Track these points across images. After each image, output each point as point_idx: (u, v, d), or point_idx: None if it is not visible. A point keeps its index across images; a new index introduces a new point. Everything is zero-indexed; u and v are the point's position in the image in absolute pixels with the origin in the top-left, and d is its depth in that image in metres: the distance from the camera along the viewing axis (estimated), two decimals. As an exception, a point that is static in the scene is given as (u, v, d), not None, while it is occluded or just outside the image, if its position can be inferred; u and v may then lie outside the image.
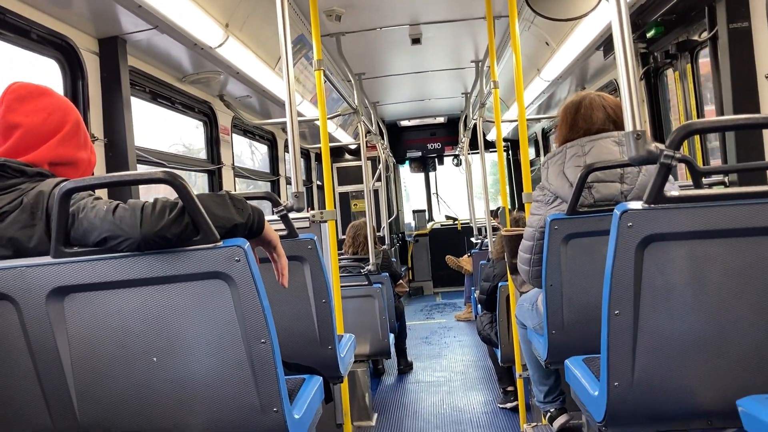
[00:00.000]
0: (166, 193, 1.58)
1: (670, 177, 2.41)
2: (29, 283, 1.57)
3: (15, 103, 1.74)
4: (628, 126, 1.49)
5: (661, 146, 1.47)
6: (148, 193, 3.89)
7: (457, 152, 10.77)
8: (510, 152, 10.69)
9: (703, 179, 2.20)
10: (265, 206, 2.65)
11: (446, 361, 6.32)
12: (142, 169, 3.85)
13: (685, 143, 3.88)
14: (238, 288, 1.56)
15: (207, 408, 1.63)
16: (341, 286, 3.60)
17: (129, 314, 1.60)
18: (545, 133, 8.17)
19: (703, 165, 3.81)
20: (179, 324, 1.59)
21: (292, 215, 2.71)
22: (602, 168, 2.30)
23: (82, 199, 1.58)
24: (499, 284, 4.21)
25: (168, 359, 1.61)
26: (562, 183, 2.41)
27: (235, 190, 4.99)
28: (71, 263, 1.56)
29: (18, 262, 1.56)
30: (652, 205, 1.54)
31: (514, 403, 4.55)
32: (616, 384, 1.66)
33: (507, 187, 7.22)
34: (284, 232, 2.47)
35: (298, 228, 2.54)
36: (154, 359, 1.61)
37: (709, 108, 3.69)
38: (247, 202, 1.70)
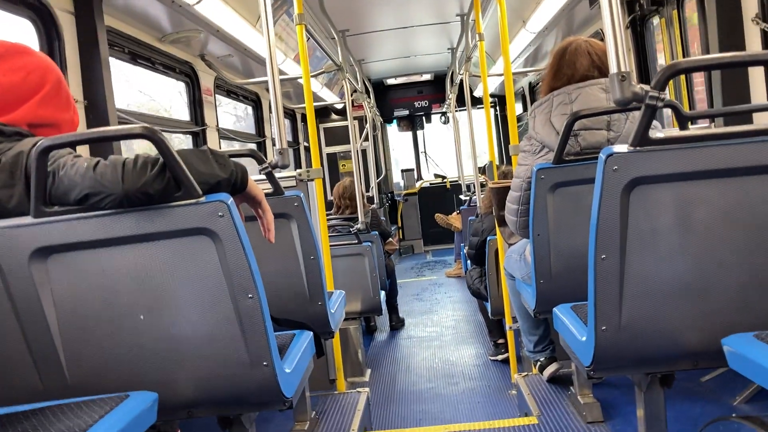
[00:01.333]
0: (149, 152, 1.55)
1: (656, 123, 2.41)
2: (10, 244, 1.55)
3: None
4: (613, 68, 1.47)
5: (647, 87, 1.45)
6: (129, 154, 3.84)
7: (444, 110, 10.70)
8: (497, 108, 10.62)
9: (690, 125, 2.19)
10: (249, 166, 2.62)
11: (437, 317, 6.38)
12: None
13: (672, 89, 3.86)
14: (223, 244, 1.54)
15: (196, 364, 1.63)
16: (330, 246, 3.60)
17: (114, 273, 1.59)
18: (532, 88, 8.12)
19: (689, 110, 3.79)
20: (165, 282, 1.58)
21: (278, 174, 2.68)
22: (588, 115, 2.28)
23: (62, 156, 1.54)
24: (488, 238, 4.23)
25: (155, 317, 1.60)
26: (549, 131, 2.39)
27: (220, 152, 4.93)
28: (52, 222, 1.53)
29: (-3, 223, 1.54)
30: (637, 148, 1.53)
31: (505, 355, 4.60)
32: (603, 329, 1.67)
33: (495, 143, 7.18)
34: (270, 190, 2.45)
35: (284, 188, 2.52)
36: (141, 317, 1.61)
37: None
38: (229, 158, 1.68)
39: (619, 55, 1.47)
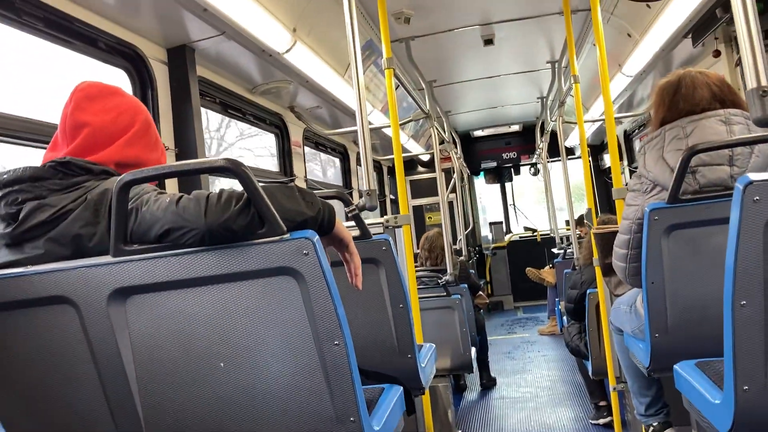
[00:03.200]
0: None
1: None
2: (89, 284, 1.47)
3: (84, 102, 1.69)
4: (751, 82, 1.27)
5: (794, 103, 1.24)
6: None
7: (534, 160, 10.45)
8: (591, 158, 10.28)
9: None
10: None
11: (531, 376, 6.03)
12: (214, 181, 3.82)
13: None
14: (308, 284, 1.42)
15: (278, 417, 1.49)
16: (419, 298, 3.43)
17: (193, 315, 1.48)
18: (628, 135, 7.79)
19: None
20: (246, 325, 1.46)
21: (365, 219, 2.57)
22: (707, 149, 2.05)
23: (146, 193, 1.49)
24: (588, 291, 3.96)
25: (235, 365, 1.48)
26: (662, 169, 2.18)
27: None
28: (132, 262, 1.46)
29: (77, 263, 1.47)
30: (783, 175, 1.31)
31: (608, 419, 4.25)
32: (745, 388, 1.42)
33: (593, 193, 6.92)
34: (356, 233, 2.33)
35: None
36: (221, 364, 1.49)
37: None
38: (317, 197, 1.57)
39: (757, 66, 1.27)
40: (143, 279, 1.47)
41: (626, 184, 7.28)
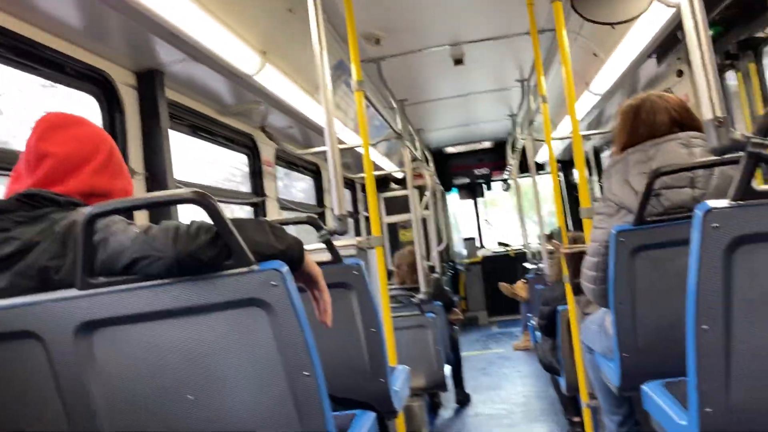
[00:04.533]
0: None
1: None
2: (55, 318, 1.46)
3: (47, 132, 1.67)
4: (707, 113, 1.31)
5: (748, 134, 1.28)
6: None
7: (505, 176, 10.55)
8: (562, 173, 10.40)
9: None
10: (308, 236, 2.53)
11: (506, 393, 6.05)
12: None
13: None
14: (277, 315, 1.42)
15: (249, 450, 1.48)
16: (392, 317, 3.44)
17: (162, 348, 1.47)
18: (596, 151, 7.91)
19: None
20: (215, 357, 1.46)
21: (336, 243, 2.58)
22: (670, 172, 2.10)
23: (115, 224, 1.48)
24: (559, 308, 3.99)
25: (205, 397, 1.47)
26: (627, 192, 2.22)
27: (280, 223, 4.88)
28: (98, 295, 1.44)
29: (42, 297, 1.45)
30: (740, 202, 1.35)
31: (582, 435, 4.28)
32: (708, 410, 1.45)
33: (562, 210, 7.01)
34: (328, 258, 2.33)
35: (343, 256, 2.40)
36: (190, 397, 1.48)
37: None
38: (287, 232, 1.58)
39: (713, 98, 1.31)
40: (110, 312, 1.45)
41: (594, 200, 7.40)
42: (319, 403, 1.46)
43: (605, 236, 2.27)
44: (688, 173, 2.16)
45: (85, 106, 2.95)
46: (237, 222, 1.43)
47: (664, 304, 2.16)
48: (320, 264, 1.72)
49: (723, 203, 1.37)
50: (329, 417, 1.49)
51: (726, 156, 1.34)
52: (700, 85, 1.33)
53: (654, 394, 1.87)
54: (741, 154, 1.30)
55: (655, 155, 2.22)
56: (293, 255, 1.55)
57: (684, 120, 2.29)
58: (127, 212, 1.55)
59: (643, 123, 2.31)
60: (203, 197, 1.38)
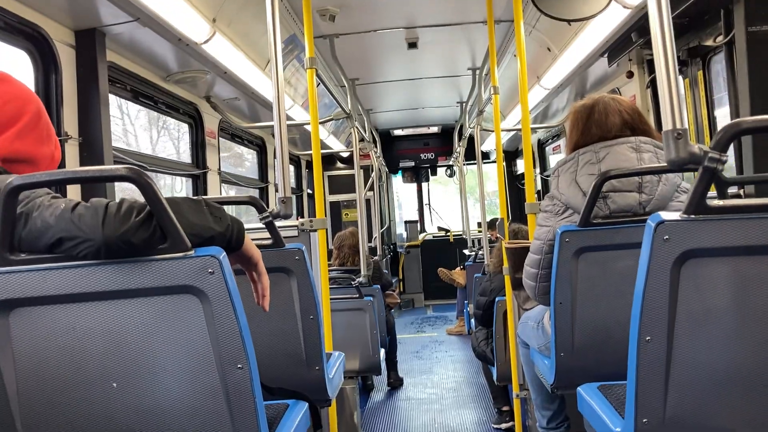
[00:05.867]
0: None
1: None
2: (-32, 295, 1.35)
3: None
4: (667, 124, 1.29)
5: (705, 148, 1.27)
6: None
7: (450, 163, 10.60)
8: (505, 163, 10.52)
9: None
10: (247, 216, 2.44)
11: (437, 377, 6.10)
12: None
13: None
14: (212, 304, 1.34)
15: (173, 443, 1.41)
16: (330, 299, 3.38)
17: (85, 333, 1.37)
18: (541, 144, 7.99)
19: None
20: (143, 345, 1.37)
21: (278, 223, 2.49)
22: (619, 176, 2.10)
23: (39, 197, 1.35)
24: (497, 299, 4.01)
25: (129, 386, 1.39)
26: (575, 192, 2.21)
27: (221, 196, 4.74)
28: (19, 272, 1.33)
29: (-45, 271, 1.34)
30: (692, 216, 1.34)
31: (510, 424, 4.34)
32: (644, 421, 1.45)
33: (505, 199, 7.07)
34: (269, 242, 2.25)
35: (285, 237, 2.33)
36: (114, 385, 1.39)
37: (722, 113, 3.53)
38: (227, 212, 1.49)
39: (674, 109, 1.29)
40: (31, 291, 1.35)
41: (538, 192, 7.44)
42: (251, 397, 1.40)
43: (550, 235, 2.27)
44: (637, 178, 2.16)
45: (17, 64, 2.76)
46: (172, 201, 1.34)
47: (604, 306, 2.17)
48: (260, 247, 1.64)
49: (675, 216, 1.35)
50: (261, 411, 1.43)
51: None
52: (663, 95, 1.31)
53: (589, 397, 1.87)
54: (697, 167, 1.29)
55: (604, 157, 2.21)
56: (232, 237, 1.47)
57: (635, 124, 2.29)
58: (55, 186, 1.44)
59: (596, 123, 2.30)
60: (138, 174, 1.29)
